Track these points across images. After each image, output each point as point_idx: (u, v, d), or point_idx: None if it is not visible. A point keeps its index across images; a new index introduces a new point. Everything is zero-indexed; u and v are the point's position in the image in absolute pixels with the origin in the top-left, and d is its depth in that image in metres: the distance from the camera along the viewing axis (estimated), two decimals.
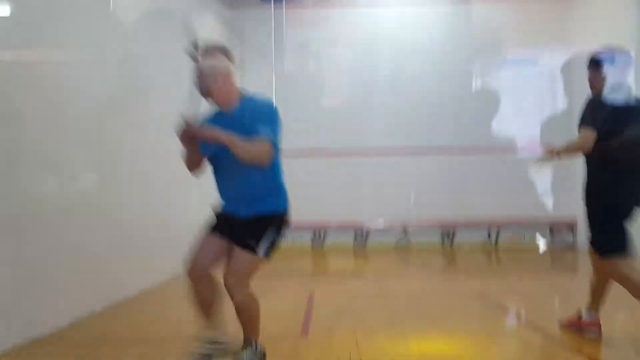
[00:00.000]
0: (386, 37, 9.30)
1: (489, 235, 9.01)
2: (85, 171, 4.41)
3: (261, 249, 2.74)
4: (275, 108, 2.77)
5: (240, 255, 2.73)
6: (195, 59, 2.68)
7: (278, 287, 5.65)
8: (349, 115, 9.52)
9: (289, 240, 10.00)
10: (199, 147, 2.72)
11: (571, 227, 8.74)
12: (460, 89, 9.22)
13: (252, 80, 9.54)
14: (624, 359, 2.91)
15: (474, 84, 9.44)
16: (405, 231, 9.23)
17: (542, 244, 8.51)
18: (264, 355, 2.85)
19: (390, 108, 9.20)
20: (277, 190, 2.89)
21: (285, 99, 9.51)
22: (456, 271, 7.12)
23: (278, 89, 9.49)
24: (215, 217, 2.93)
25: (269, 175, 2.80)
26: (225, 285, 2.72)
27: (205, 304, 2.87)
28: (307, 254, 8.84)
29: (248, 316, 2.81)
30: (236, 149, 2.55)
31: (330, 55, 9.65)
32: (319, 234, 9.36)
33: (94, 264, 4.25)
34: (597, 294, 3.30)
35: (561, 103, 8.95)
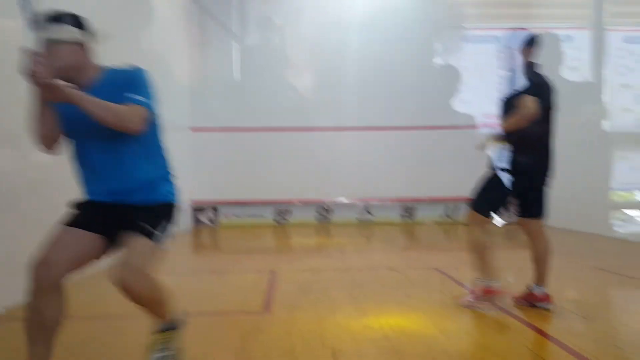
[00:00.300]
0: (350, 13, 9.23)
1: (448, 212, 9.22)
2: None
3: (158, 236, 2.27)
4: (145, 74, 2.32)
5: (134, 242, 2.19)
6: (36, 28, 2.05)
7: (240, 264, 5.65)
8: (313, 92, 9.47)
9: (252, 217, 10.01)
10: (52, 106, 2.13)
11: None
12: (422, 66, 9.27)
13: (214, 54, 9.35)
14: (572, 328, 3.05)
15: (436, 61, 9.51)
16: (367, 207, 9.34)
17: (499, 220, 8.72)
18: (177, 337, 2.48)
19: (355, 85, 9.19)
20: (160, 174, 2.41)
21: (248, 74, 9.38)
22: (416, 246, 7.26)
23: (241, 63, 9.33)
24: (78, 208, 2.33)
25: (148, 156, 2.33)
26: (121, 283, 2.09)
27: (44, 327, 2.11)
28: (270, 230, 8.84)
29: (158, 307, 2.33)
30: (91, 105, 2.05)
31: (294, 30, 9.51)
32: (282, 211, 9.36)
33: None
34: (539, 267, 3.45)
35: (519, 81, 9.13)
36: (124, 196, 2.28)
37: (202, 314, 3.46)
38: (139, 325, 3.22)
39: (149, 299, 2.22)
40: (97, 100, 2.07)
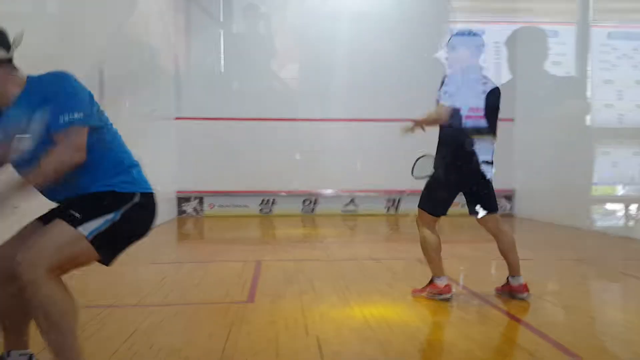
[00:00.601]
0: (338, 2, 9.20)
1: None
2: None
3: (86, 225, 1.93)
4: (67, 77, 2.05)
5: (50, 225, 1.95)
6: None
7: (225, 254, 5.63)
8: (300, 82, 9.44)
9: (237, 207, 9.98)
10: None
11: (509, 197, 9.15)
12: (409, 58, 9.27)
13: (199, 41, 9.26)
14: (552, 319, 3.11)
15: (422, 54, 9.52)
16: (352, 199, 9.37)
17: (480, 212, 8.79)
18: None
19: (341, 76, 9.16)
20: (107, 174, 2.07)
21: (233, 63, 9.31)
22: (400, 238, 7.31)
23: (226, 51, 9.26)
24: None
25: (92, 166, 2.00)
26: (16, 267, 1.82)
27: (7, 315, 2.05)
28: (255, 221, 8.83)
29: (47, 321, 1.91)
30: (33, 181, 1.93)
31: (280, 18, 9.45)
32: (267, 201, 9.35)
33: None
34: (508, 259, 3.51)
35: (504, 75, 9.20)
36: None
37: (186, 304, 3.45)
38: (120, 314, 3.21)
39: (41, 305, 1.86)
40: (33, 173, 1.91)
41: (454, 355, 2.57)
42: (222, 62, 9.30)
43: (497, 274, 4.54)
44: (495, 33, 9.17)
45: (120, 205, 2.03)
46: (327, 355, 2.50)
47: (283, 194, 9.31)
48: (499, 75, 9.20)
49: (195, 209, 9.28)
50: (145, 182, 2.21)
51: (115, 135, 2.21)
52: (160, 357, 2.46)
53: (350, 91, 9.10)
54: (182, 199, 9.22)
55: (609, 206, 7.45)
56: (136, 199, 2.10)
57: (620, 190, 7.25)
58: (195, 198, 9.26)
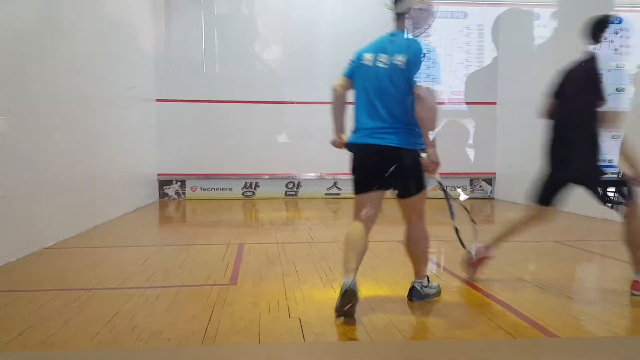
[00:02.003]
0: None
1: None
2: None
3: None
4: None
5: None
6: None
7: (207, 236, 5.62)
8: (283, 64, 9.35)
9: (219, 190, 9.94)
10: None
11: (490, 181, 9.25)
12: None
13: (180, 21, 9.10)
14: (531, 299, 3.16)
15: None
16: (335, 182, 9.38)
17: (462, 195, 8.91)
18: None
19: (325, 59, 9.10)
20: None
21: (215, 44, 9.18)
22: (382, 220, 7.34)
23: (207, 32, 9.12)
24: None
25: None
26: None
27: None
28: (238, 204, 8.80)
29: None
30: None
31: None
32: (250, 184, 9.32)
33: (6, 210, 4.02)
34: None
35: (487, 58, 9.22)
36: None
37: (168, 286, 3.44)
38: (101, 297, 3.19)
39: None
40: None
41: (435, 335, 2.60)
42: (204, 43, 9.17)
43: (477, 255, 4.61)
44: (478, 15, 9.17)
45: None
46: (309, 336, 2.51)
47: (266, 177, 9.29)
48: (482, 58, 9.23)
49: (177, 192, 9.21)
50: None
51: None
52: (141, 338, 2.45)
53: (334, 74, 9.04)
54: (164, 182, 9.15)
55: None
56: None
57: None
58: (177, 181, 9.19)
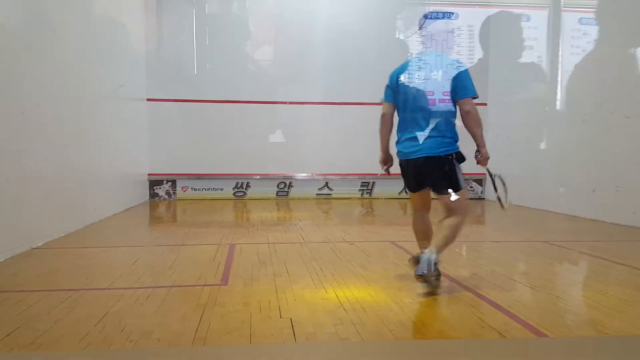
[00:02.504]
0: None
1: (405, 188, 9.38)
2: None
3: None
4: None
5: None
6: None
7: (198, 237, 5.60)
8: (274, 64, 9.35)
9: (210, 190, 9.91)
10: None
11: (480, 181, 9.31)
12: (384, 43, 9.27)
13: (171, 21, 9.06)
14: (520, 299, 3.18)
15: (397, 37, 9.52)
16: (327, 182, 9.39)
17: (453, 195, 8.92)
18: None
19: (317, 59, 9.12)
20: None
21: (207, 43, 9.15)
22: (374, 221, 7.37)
23: (198, 31, 9.09)
24: None
25: None
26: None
27: None
28: (229, 204, 8.78)
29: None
30: None
31: None
32: (241, 185, 9.30)
33: None
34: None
35: (477, 59, 9.27)
36: None
37: (158, 287, 3.42)
38: (91, 298, 3.17)
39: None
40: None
41: (426, 336, 2.61)
42: (195, 42, 9.14)
43: (467, 255, 4.63)
44: (469, 16, 9.22)
45: None
46: (301, 336, 2.51)
47: (257, 177, 9.27)
48: (473, 58, 9.28)
49: (167, 192, 9.18)
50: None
51: None
52: (131, 339, 2.44)
53: (326, 74, 9.07)
54: (154, 182, 9.11)
55: (578, 189, 7.61)
56: None
57: (588, 174, 7.41)
58: (168, 181, 9.15)
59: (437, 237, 3.35)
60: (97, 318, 2.72)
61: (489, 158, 3.46)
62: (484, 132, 3.45)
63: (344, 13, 9.05)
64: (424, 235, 3.58)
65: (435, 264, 3.19)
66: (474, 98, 3.31)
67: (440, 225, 3.40)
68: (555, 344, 2.53)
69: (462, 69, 3.31)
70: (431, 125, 3.32)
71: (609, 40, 6.75)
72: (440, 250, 3.27)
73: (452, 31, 3.67)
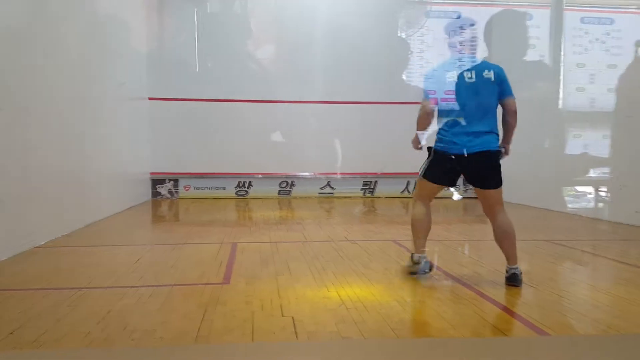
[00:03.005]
0: None
1: (407, 187, 9.37)
2: None
3: None
4: None
5: None
6: None
7: (200, 236, 5.60)
8: (276, 63, 9.34)
9: (213, 189, 9.90)
10: None
11: None
12: (386, 42, 9.26)
13: (173, 19, 9.07)
14: (521, 297, 3.18)
15: (400, 36, 9.51)
16: (329, 181, 9.39)
17: (455, 194, 8.96)
18: None
19: (319, 58, 9.12)
20: None
21: (208, 42, 9.15)
22: (376, 220, 7.36)
23: (200, 30, 9.09)
24: None
25: None
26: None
27: None
28: (231, 203, 8.78)
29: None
30: None
31: None
32: (243, 184, 9.31)
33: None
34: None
35: (480, 58, 9.25)
36: None
37: (160, 285, 3.43)
38: (93, 296, 3.18)
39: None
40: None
41: (428, 334, 2.61)
42: (196, 41, 9.14)
43: (470, 254, 4.62)
44: (471, 15, 9.19)
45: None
46: (303, 335, 2.51)
47: (259, 176, 9.27)
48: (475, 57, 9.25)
49: (170, 191, 9.18)
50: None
51: None
52: (134, 337, 2.44)
53: (328, 73, 9.06)
54: (157, 181, 9.12)
55: (579, 188, 7.61)
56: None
57: (590, 173, 7.40)
58: (170, 180, 9.16)
59: (505, 251, 3.47)
60: (99, 316, 2.73)
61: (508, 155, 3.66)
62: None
63: (345, 12, 9.04)
64: (426, 231, 3.65)
65: (520, 273, 3.40)
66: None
67: (497, 238, 3.52)
68: (557, 342, 2.53)
69: (503, 71, 3.49)
70: (487, 122, 3.47)
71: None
72: (516, 259, 3.44)
73: (475, 38, 3.74)
